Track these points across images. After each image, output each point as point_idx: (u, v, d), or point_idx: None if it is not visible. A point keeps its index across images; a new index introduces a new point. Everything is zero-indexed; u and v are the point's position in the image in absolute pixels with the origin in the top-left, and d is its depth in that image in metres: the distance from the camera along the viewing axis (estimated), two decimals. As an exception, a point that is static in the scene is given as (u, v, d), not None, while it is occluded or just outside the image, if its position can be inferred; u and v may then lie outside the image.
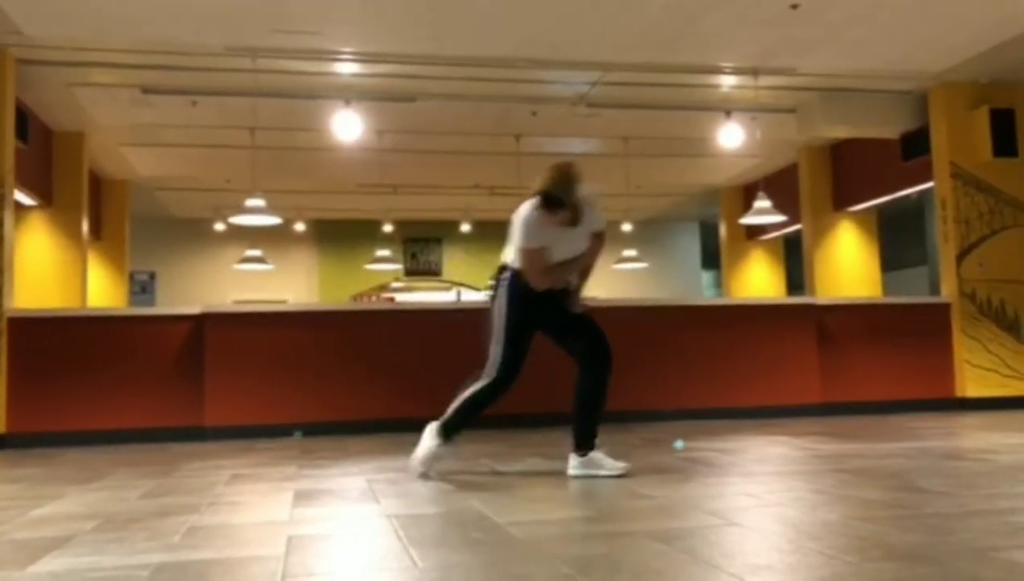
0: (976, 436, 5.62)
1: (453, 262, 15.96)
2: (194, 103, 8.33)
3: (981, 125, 8.26)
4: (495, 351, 4.14)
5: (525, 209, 4.06)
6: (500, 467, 4.33)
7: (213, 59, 7.36)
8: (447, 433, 4.15)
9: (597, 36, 7.18)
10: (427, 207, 14.13)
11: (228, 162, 10.43)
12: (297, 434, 6.93)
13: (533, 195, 4.02)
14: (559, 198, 3.96)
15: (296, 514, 3.06)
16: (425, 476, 4.06)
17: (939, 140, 8.47)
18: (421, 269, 15.84)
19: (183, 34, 6.84)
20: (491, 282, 4.37)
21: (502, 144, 9.99)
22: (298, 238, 14.91)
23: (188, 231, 14.90)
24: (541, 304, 4.15)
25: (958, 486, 3.30)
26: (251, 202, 8.29)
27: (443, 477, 3.99)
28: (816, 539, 2.37)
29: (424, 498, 3.35)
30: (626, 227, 13.53)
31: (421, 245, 15.85)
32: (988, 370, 8.15)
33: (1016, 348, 8.23)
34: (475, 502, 3.18)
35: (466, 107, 8.81)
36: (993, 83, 8.31)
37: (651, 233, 15.38)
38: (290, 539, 2.57)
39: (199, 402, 6.93)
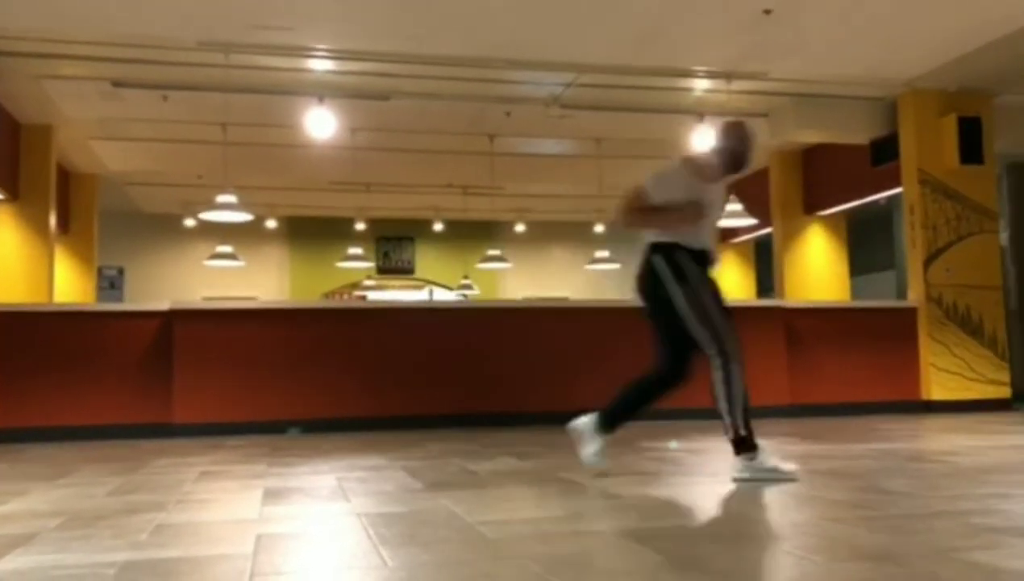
0: (940, 438, 5.70)
1: (426, 261, 15.93)
2: (165, 97, 8.25)
3: (949, 132, 8.39)
4: (719, 328, 3.72)
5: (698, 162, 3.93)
6: (471, 466, 4.33)
7: (185, 54, 7.29)
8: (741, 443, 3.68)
9: (571, 38, 7.21)
10: (400, 205, 14.10)
11: (199, 157, 10.33)
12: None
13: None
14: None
15: (265, 512, 3.04)
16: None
17: (908, 146, 8.58)
18: (393, 267, 15.80)
19: (155, 28, 6.78)
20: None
21: (476, 144, 10.00)
22: (270, 235, 14.82)
23: (158, 226, 14.75)
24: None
25: (922, 488, 3.35)
26: (222, 198, 8.22)
27: (414, 475, 3.98)
28: (786, 539, 2.39)
29: (394, 497, 3.35)
30: (599, 228, 13.59)
31: (394, 243, 15.81)
32: (953, 373, 8.27)
33: (980, 352, 8.36)
34: (445, 501, 3.18)
35: (440, 106, 8.80)
36: (961, 91, 8.43)
37: (624, 235, 15.43)
38: (259, 537, 2.56)
39: (168, 399, 6.87)
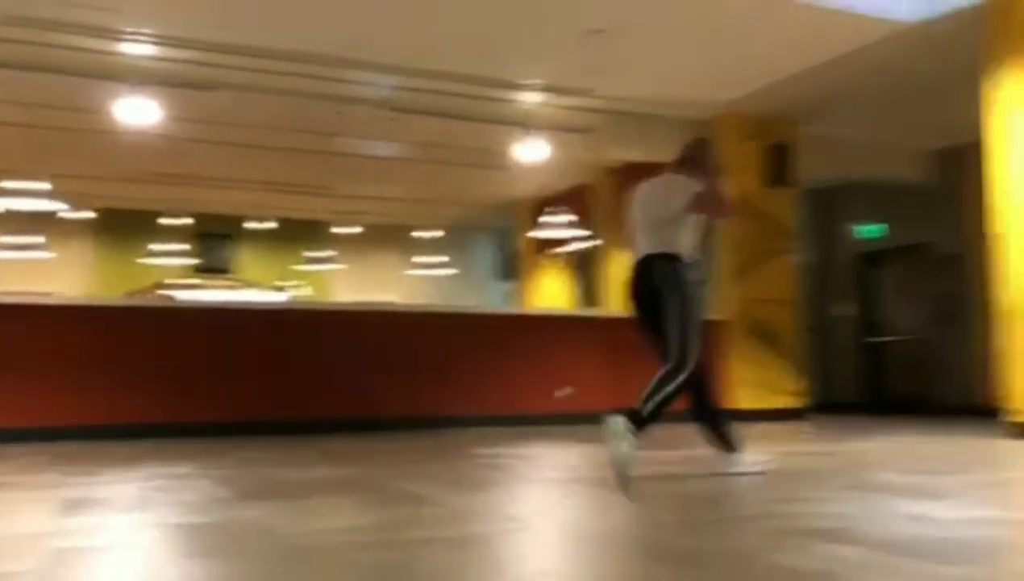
0: (749, 446, 6.03)
1: (246, 260, 15.35)
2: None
3: (757, 156, 8.94)
4: (689, 341, 4.00)
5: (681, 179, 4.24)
6: (284, 475, 4.19)
7: (-5, 27, 6.69)
8: (642, 426, 3.81)
9: (402, 40, 7.16)
10: (220, 201, 13.51)
11: (-2, 139, 9.50)
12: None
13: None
14: None
15: (62, 524, 2.81)
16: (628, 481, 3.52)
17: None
18: (211, 266, 15.11)
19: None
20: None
21: (305, 141, 9.73)
22: (74, 226, 13.80)
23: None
24: None
25: (736, 493, 3.53)
26: (22, 185, 7.59)
27: (218, 483, 3.80)
28: (602, 544, 2.45)
29: (198, 507, 3.18)
30: (426, 234, 13.58)
31: (212, 240, 15.12)
32: (755, 384, 8.80)
33: (779, 364, 8.94)
34: (255, 511, 3.05)
35: (269, 101, 8.49)
36: (770, 118, 8.99)
37: (451, 240, 15.48)
38: (56, 552, 2.36)
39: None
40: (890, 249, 11.14)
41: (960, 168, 10.00)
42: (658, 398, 3.94)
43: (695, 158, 4.36)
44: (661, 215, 4.18)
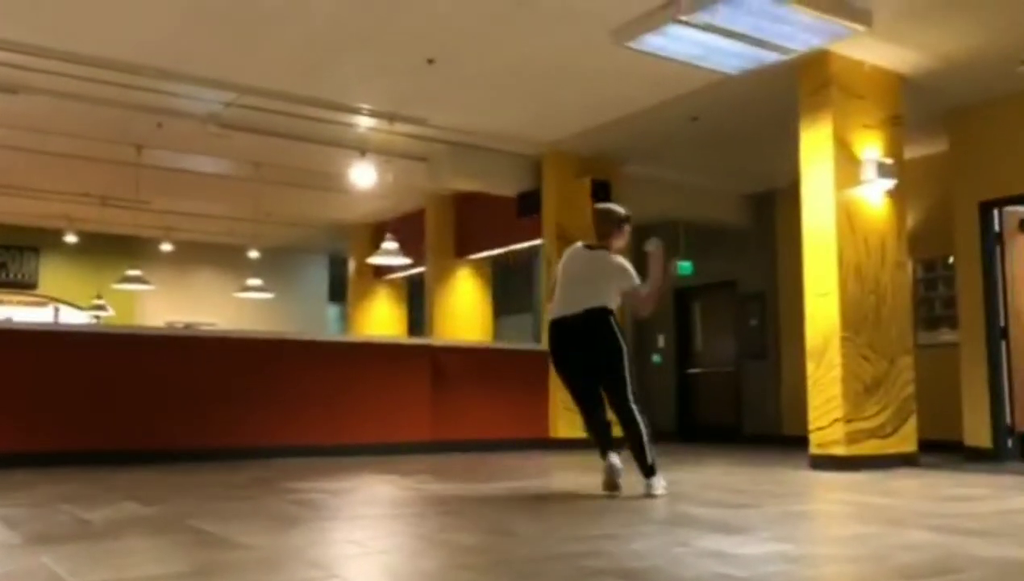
0: (562, 477, 6.17)
1: (53, 275, 14.31)
2: None
3: (583, 192, 9.21)
4: (631, 388, 4.73)
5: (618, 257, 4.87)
6: (85, 514, 3.90)
7: None
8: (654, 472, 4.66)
9: (232, 56, 6.97)
10: (24, 211, 12.56)
11: None
12: None
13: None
14: None
15: None
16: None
17: (549, 202, 9.32)
18: (12, 281, 14.00)
19: None
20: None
21: (120, 152, 9.21)
22: None
23: None
24: None
25: (544, 529, 3.58)
26: None
27: (12, 526, 3.49)
28: (412, 590, 2.42)
29: (-16, 555, 2.91)
30: (252, 254, 13.14)
31: (14, 253, 14.03)
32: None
33: (601, 394, 9.20)
34: (46, 558, 2.82)
35: (80, 108, 7.99)
36: (595, 157, 9.32)
37: (279, 262, 15.04)
38: None
39: None
40: (703, 285, 11.73)
41: (770, 212, 10.71)
42: (644, 447, 4.69)
43: (608, 231, 4.98)
44: (597, 280, 4.82)
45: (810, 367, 6.76)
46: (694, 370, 11.91)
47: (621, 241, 5.01)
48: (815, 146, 6.85)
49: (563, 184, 9.28)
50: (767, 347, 10.74)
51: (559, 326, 4.78)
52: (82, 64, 6.97)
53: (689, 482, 5.72)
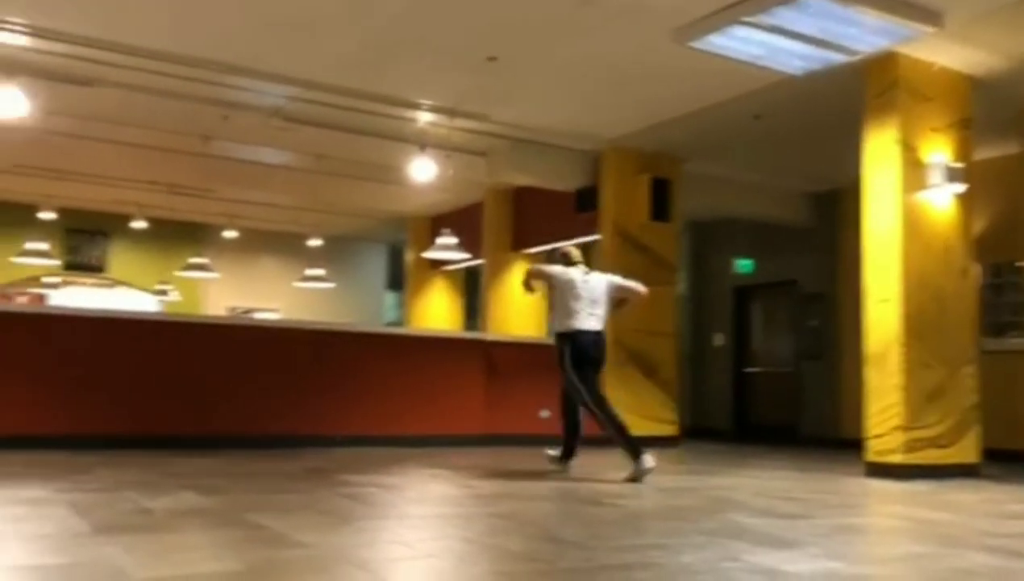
0: (613, 476, 6.17)
1: (121, 259, 14.73)
2: None
3: (643, 190, 9.17)
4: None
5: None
6: (147, 502, 4.04)
7: None
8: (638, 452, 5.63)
9: (298, 53, 7.07)
10: (96, 197, 12.94)
11: None
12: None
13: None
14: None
15: None
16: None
17: (607, 199, 9.28)
18: (83, 263, 14.44)
19: None
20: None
21: (187, 143, 9.43)
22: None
23: None
24: None
25: (591, 536, 3.60)
26: None
27: (81, 513, 3.63)
28: (458, 599, 2.46)
29: (53, 543, 3.04)
30: (314, 242, 13.36)
31: (85, 237, 14.46)
32: (630, 410, 8.98)
33: (654, 392, 9.18)
34: (113, 549, 2.93)
35: (150, 100, 8.19)
36: (656, 154, 9.26)
37: (339, 250, 15.27)
38: None
39: None
40: (762, 284, 11.59)
41: (832, 211, 10.52)
42: (619, 434, 5.76)
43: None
44: (604, 301, 6.08)
45: (869, 374, 6.65)
46: (752, 369, 11.79)
47: None
48: (880, 149, 6.71)
49: (622, 181, 9.23)
50: (826, 348, 10.58)
51: (588, 335, 5.94)
52: (152, 59, 7.15)
53: (742, 488, 5.69)
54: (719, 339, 12.06)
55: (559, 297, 6.04)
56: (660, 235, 9.31)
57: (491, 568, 2.91)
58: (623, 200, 9.21)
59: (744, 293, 11.90)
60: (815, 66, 6.43)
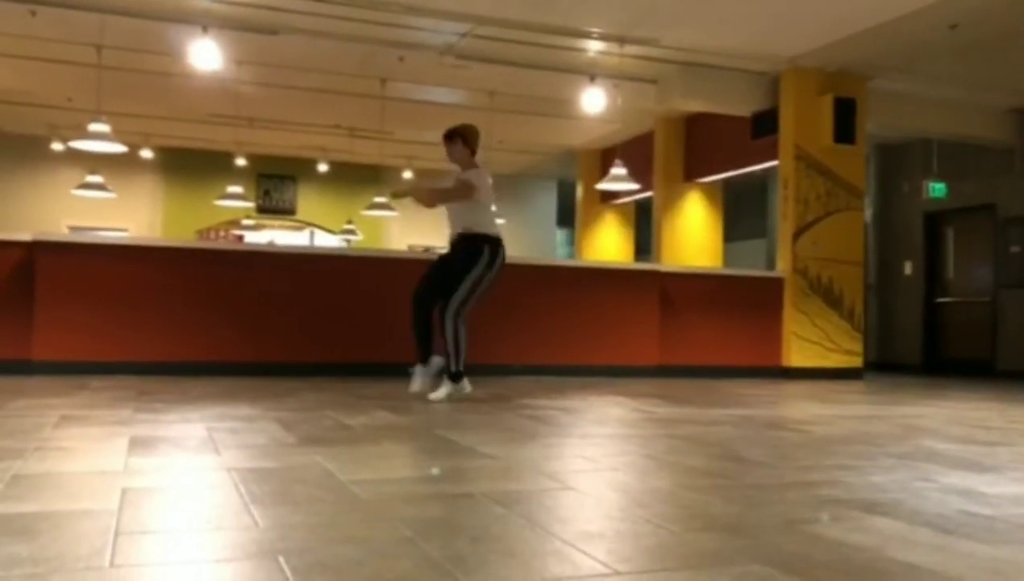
0: (796, 406, 6.04)
1: (308, 202, 15.59)
2: (33, 13, 7.72)
3: (825, 111, 8.74)
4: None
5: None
6: (346, 420, 4.33)
7: (58, -32, 6.84)
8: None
9: (469, -12, 7.14)
10: (283, 143, 13.72)
11: (70, 79, 9.76)
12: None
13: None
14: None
15: (131, 463, 2.97)
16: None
17: (786, 122, 8.91)
18: (274, 207, 15.39)
19: (24, -62, 6.32)
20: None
21: (366, 86, 9.80)
22: (143, 165, 14.15)
23: (20, 149, 13.84)
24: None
25: (776, 457, 3.56)
26: (95, 127, 7.81)
27: (287, 428, 3.95)
28: (644, 507, 2.51)
29: (267, 451, 3.32)
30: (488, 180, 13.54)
31: (275, 182, 15.38)
32: (813, 342, 8.74)
33: (839, 323, 8.85)
34: (318, 457, 3.17)
35: (331, 45, 8.56)
36: (839, 72, 8.78)
37: (510, 188, 15.48)
38: (124, 491, 2.50)
39: (27, 334, 6.56)
40: (957, 209, 10.86)
41: (1038, 128, 9.67)
42: (461, 352, 5.54)
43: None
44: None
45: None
46: (944, 299, 11.13)
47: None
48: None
49: (802, 102, 8.83)
50: (1029, 276, 9.83)
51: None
52: (334, 3, 7.42)
53: (935, 416, 5.43)
54: (908, 268, 11.44)
55: (483, 198, 5.66)
56: (845, 158, 8.88)
57: (675, 481, 2.95)
58: (804, 122, 8.82)
59: (936, 219, 11.20)
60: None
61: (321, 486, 2.67)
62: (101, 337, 6.73)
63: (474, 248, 5.51)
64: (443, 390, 5.45)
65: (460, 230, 5.64)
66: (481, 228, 5.58)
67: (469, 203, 5.59)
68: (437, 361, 5.58)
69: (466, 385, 5.52)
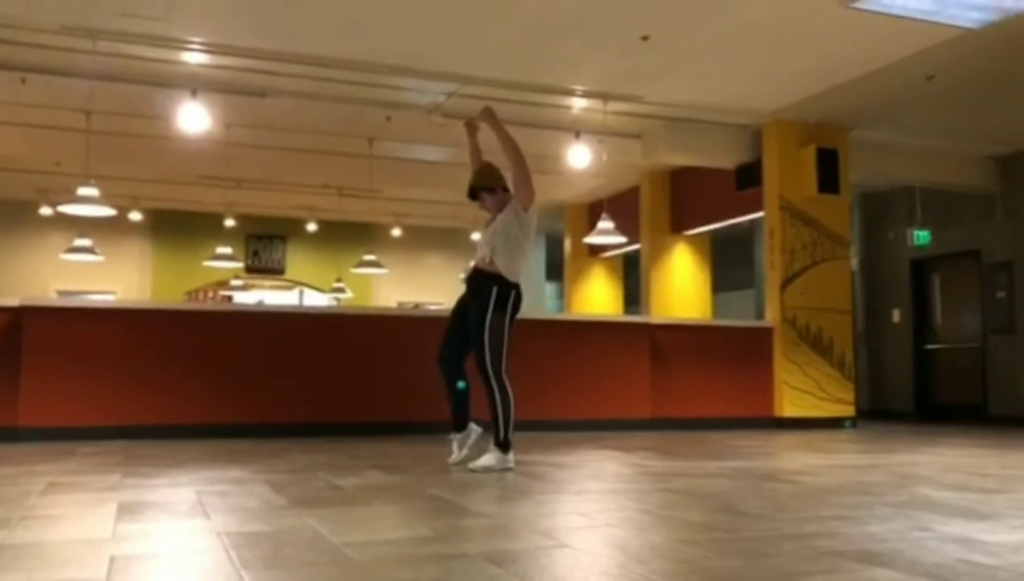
0: (790, 456, 6.01)
1: (297, 261, 15.61)
2: (23, 80, 7.80)
3: (808, 162, 8.87)
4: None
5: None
6: (337, 480, 4.28)
7: (47, 36, 6.93)
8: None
9: (457, 49, 7.25)
10: (272, 204, 13.78)
11: (58, 144, 9.80)
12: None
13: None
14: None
15: (120, 530, 2.92)
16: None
17: (770, 173, 9.02)
18: (263, 267, 15.40)
19: (14, 7, 6.41)
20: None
21: (354, 145, 9.88)
22: (131, 228, 14.16)
23: (8, 214, 13.85)
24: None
25: (773, 509, 3.53)
26: (84, 191, 7.83)
27: (278, 490, 3.90)
28: (643, 563, 2.48)
29: (257, 514, 3.27)
30: (475, 236, 13.61)
31: (264, 242, 15.42)
32: (804, 391, 8.73)
33: (829, 372, 8.86)
34: (310, 520, 3.13)
35: (318, 106, 8.66)
36: (821, 124, 8.93)
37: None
38: (113, 559, 2.45)
39: (12, 400, 6.50)
40: (942, 255, 10.96)
41: (1017, 175, 9.82)
42: (510, 414, 4.95)
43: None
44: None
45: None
46: (933, 346, 11.17)
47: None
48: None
49: (786, 154, 8.96)
50: (1017, 321, 9.89)
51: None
52: (321, 65, 7.53)
53: (929, 464, 5.41)
54: (896, 315, 11.49)
55: (520, 230, 5.00)
56: (829, 208, 8.97)
57: (672, 536, 2.92)
58: (788, 173, 8.93)
59: (922, 266, 11.29)
60: (993, 17, 6.02)
61: (313, 548, 2.63)
62: (89, 402, 6.67)
63: (482, 289, 4.87)
64: (488, 458, 4.77)
65: (483, 255, 4.96)
66: (499, 268, 4.89)
67: (509, 237, 4.95)
68: (475, 428, 5.07)
69: (511, 458, 4.79)
